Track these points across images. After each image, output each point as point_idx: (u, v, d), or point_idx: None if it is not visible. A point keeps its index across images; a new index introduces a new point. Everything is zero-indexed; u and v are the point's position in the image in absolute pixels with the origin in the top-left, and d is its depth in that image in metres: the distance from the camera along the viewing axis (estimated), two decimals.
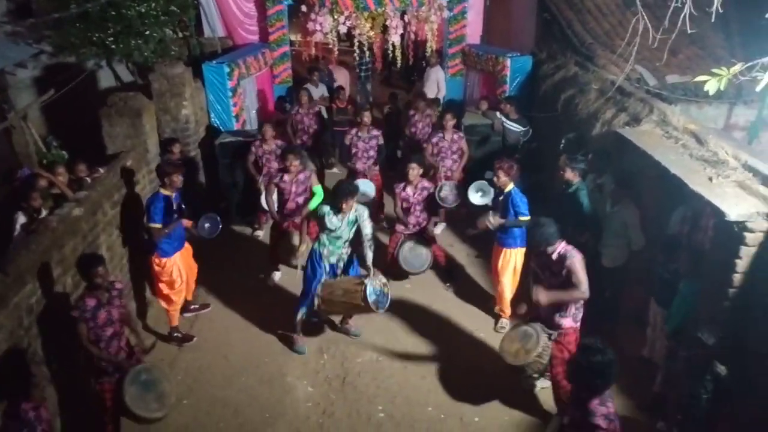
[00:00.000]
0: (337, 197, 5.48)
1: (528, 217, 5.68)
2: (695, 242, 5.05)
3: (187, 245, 6.12)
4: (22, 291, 4.37)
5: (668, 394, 4.81)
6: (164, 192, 5.72)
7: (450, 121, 7.69)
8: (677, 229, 5.29)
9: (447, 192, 6.97)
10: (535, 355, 4.72)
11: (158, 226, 5.63)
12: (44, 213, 5.45)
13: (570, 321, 4.72)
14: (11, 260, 4.43)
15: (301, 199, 6.62)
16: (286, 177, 6.53)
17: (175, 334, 6.08)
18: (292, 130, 8.58)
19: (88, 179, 5.79)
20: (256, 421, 5.18)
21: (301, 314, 5.87)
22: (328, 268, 5.73)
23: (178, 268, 5.93)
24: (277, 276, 7.08)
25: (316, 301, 5.64)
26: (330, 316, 6.23)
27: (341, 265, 5.79)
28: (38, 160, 7.63)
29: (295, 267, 6.77)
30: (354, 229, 5.65)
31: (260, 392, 5.49)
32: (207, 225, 6.17)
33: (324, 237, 5.66)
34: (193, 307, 6.48)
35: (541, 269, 4.81)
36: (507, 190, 5.82)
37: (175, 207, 5.78)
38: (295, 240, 6.75)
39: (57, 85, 8.00)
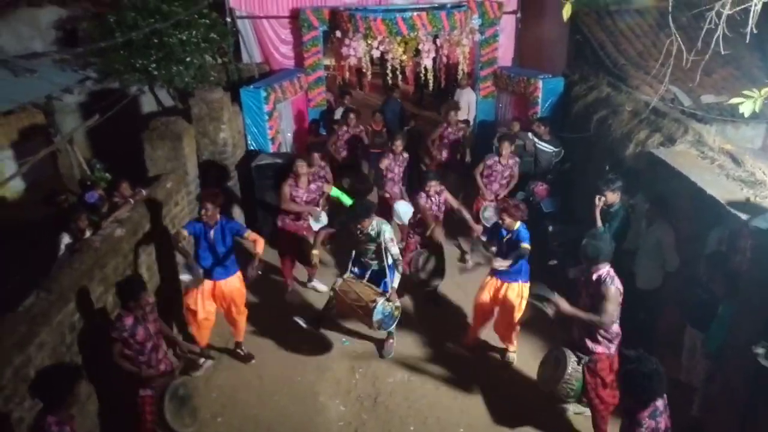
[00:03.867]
0: (355, 217, 5.70)
1: (528, 246, 5.59)
2: (733, 264, 4.96)
3: (230, 286, 5.87)
4: (65, 309, 4.52)
5: (706, 417, 4.70)
6: (201, 220, 5.68)
7: (507, 150, 7.75)
8: (714, 249, 5.20)
9: (490, 214, 7.09)
10: (563, 381, 4.68)
11: (185, 231, 5.61)
12: (88, 234, 5.64)
13: (602, 348, 4.60)
14: (55, 279, 4.60)
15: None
16: (300, 184, 6.82)
17: (203, 352, 6.08)
18: (333, 148, 8.82)
19: (131, 200, 5.97)
20: None
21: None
22: (357, 271, 6.00)
23: (197, 299, 5.79)
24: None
25: (330, 293, 5.90)
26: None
27: (367, 273, 5.99)
28: (80, 181, 7.91)
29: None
30: (378, 245, 5.76)
31: (293, 411, 5.54)
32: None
33: (357, 246, 5.94)
34: (238, 350, 6.24)
35: (579, 288, 4.71)
36: (515, 228, 5.67)
37: (211, 239, 5.65)
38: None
39: (101, 109, 8.30)
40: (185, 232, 5.59)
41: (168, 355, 4.95)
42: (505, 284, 5.81)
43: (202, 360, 5.99)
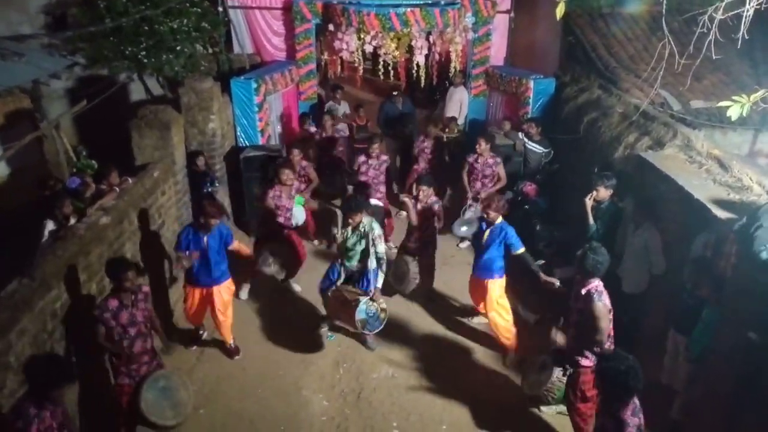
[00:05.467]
0: (344, 213, 5.76)
1: (523, 249, 5.68)
2: (718, 268, 5.00)
3: (219, 296, 5.83)
4: (48, 296, 4.47)
5: (685, 420, 4.75)
6: (197, 228, 5.63)
7: (483, 146, 7.71)
8: (699, 254, 5.24)
9: (471, 215, 7.17)
10: (545, 388, 4.73)
11: (182, 254, 5.61)
12: (72, 221, 5.57)
13: (588, 362, 4.58)
14: (38, 265, 4.54)
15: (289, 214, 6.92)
16: (284, 192, 6.73)
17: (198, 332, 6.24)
18: (313, 154, 8.70)
19: (117, 188, 5.90)
20: None
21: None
22: (343, 275, 6.01)
23: (193, 302, 5.89)
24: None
25: (323, 301, 6.02)
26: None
27: (353, 276, 6.00)
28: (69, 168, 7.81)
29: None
30: (365, 245, 5.75)
31: (276, 405, 5.51)
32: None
33: (342, 252, 5.90)
34: (230, 346, 6.17)
35: (572, 299, 4.66)
36: (497, 223, 5.76)
37: (204, 245, 5.59)
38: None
39: (89, 96, 8.21)
40: (185, 263, 5.61)
41: (155, 347, 4.90)
42: (484, 281, 5.93)
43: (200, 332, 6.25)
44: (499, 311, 5.93)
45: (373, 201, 7.31)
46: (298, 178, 7.38)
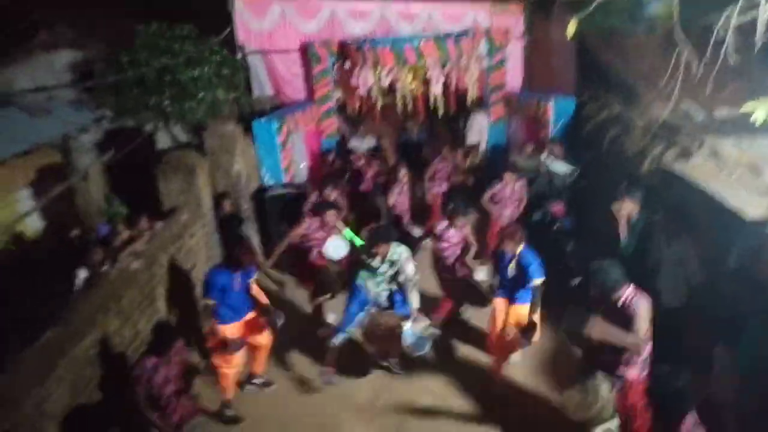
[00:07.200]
0: (370, 243, 5.65)
1: (541, 279, 5.40)
2: (759, 277, 4.84)
3: (255, 317, 5.69)
4: (82, 343, 4.50)
5: None
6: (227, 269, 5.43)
7: (509, 179, 7.76)
8: (737, 264, 5.09)
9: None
10: (597, 410, 4.54)
11: (212, 302, 5.28)
12: (105, 267, 5.66)
13: (635, 372, 4.43)
14: (70, 312, 4.59)
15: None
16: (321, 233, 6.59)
17: (227, 411, 5.66)
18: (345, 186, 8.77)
19: (147, 233, 5.99)
20: None
21: (336, 342, 5.83)
22: (371, 302, 5.84)
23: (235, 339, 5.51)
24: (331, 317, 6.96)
25: (358, 332, 5.80)
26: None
27: (382, 300, 5.87)
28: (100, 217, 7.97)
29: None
30: (395, 269, 5.71)
31: None
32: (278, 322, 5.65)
33: (364, 272, 5.78)
34: (256, 381, 6.08)
35: (609, 321, 4.40)
36: (518, 252, 5.59)
37: (238, 287, 5.45)
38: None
39: (117, 147, 8.41)
40: (211, 302, 5.31)
41: (190, 399, 4.88)
42: (517, 305, 5.71)
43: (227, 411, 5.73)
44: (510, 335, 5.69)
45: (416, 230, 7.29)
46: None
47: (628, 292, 4.32)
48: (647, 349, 4.39)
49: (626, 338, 4.21)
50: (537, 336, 5.57)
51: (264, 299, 5.70)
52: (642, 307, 4.22)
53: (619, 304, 4.32)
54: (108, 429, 3.80)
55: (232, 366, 5.52)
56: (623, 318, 4.28)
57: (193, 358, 5.65)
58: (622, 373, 4.47)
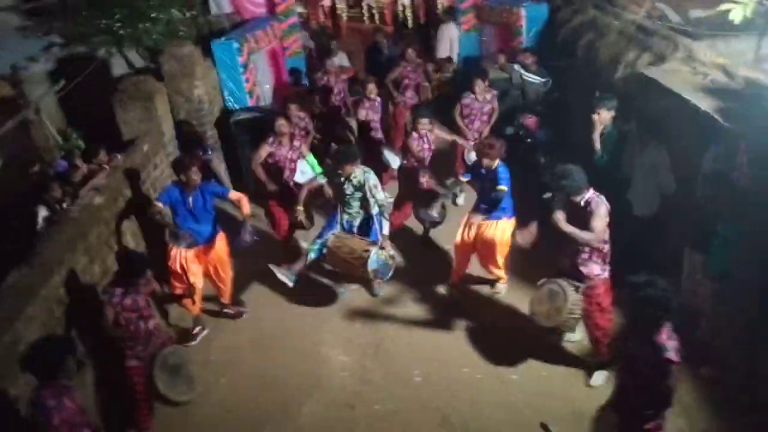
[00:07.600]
0: (336, 162, 5.61)
1: (506, 188, 5.47)
2: (732, 181, 4.83)
3: (214, 247, 5.67)
4: (50, 282, 4.40)
5: (713, 339, 4.68)
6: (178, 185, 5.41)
7: (480, 86, 7.42)
8: (711, 168, 5.06)
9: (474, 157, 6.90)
10: (567, 312, 4.58)
11: (160, 204, 5.30)
12: (66, 204, 5.47)
13: (597, 269, 4.56)
14: (36, 252, 4.46)
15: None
16: (283, 142, 6.48)
17: (198, 329, 5.82)
18: (313, 108, 8.49)
19: (107, 166, 5.77)
20: (294, 393, 5.19)
21: (307, 251, 5.88)
22: (345, 225, 5.87)
23: (183, 264, 5.53)
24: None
25: (323, 250, 5.75)
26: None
27: (356, 224, 5.89)
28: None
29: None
30: (363, 194, 5.66)
31: (296, 365, 5.50)
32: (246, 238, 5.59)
33: (338, 194, 5.80)
34: (225, 311, 6.10)
35: (570, 221, 4.58)
36: (493, 167, 5.55)
37: (190, 205, 5.40)
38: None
39: (70, 76, 7.99)
40: (159, 206, 5.32)
41: (160, 327, 4.84)
42: (494, 222, 5.71)
43: (196, 329, 5.83)
44: (499, 248, 5.80)
45: (387, 152, 7.16)
46: (297, 130, 7.18)
47: (588, 195, 4.47)
48: (606, 248, 4.52)
49: (584, 235, 4.40)
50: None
51: (246, 207, 5.62)
52: (600, 208, 4.40)
53: (582, 203, 4.48)
54: (66, 350, 3.69)
55: (186, 284, 5.49)
56: (583, 217, 4.45)
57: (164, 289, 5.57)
58: (585, 272, 4.58)
